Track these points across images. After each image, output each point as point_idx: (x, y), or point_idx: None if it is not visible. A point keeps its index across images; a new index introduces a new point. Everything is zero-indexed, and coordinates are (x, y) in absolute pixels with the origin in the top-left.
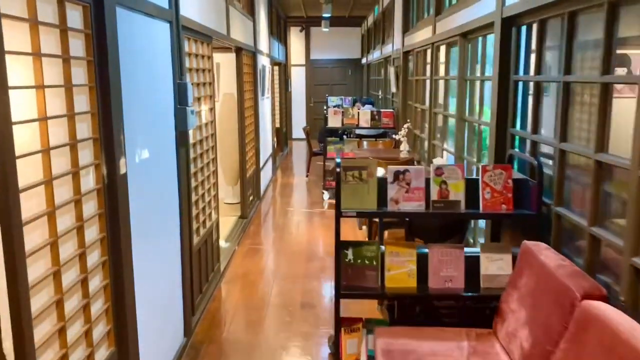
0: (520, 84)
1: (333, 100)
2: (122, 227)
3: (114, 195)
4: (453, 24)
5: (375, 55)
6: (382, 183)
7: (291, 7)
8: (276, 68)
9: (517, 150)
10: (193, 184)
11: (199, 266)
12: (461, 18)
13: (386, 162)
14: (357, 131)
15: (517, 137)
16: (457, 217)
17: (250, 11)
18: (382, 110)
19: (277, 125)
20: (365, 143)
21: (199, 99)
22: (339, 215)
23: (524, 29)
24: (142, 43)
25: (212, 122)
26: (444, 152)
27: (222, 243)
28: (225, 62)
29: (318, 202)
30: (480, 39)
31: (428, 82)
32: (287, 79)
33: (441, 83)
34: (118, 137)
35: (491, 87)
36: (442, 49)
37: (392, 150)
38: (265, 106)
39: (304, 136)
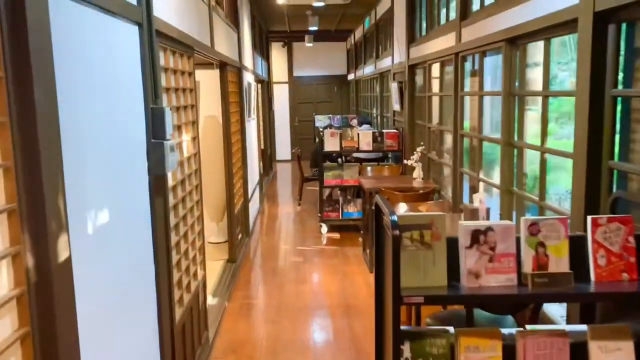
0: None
1: (321, 119)
2: (63, 348)
3: (47, 301)
4: (492, 29)
5: (367, 70)
6: (451, 245)
7: (274, 21)
8: (259, 86)
9: (622, 191)
10: (174, 239)
11: (183, 346)
12: (506, 20)
13: (402, 194)
14: (355, 154)
15: (615, 172)
16: (565, 299)
17: (234, 21)
18: (384, 130)
19: (262, 146)
20: (369, 169)
21: (179, 127)
22: (398, 299)
23: (624, 27)
24: (98, 52)
25: (196, 154)
26: (480, 184)
27: (210, 299)
28: (206, 80)
29: (315, 236)
30: (540, 42)
31: (451, 98)
32: (270, 97)
33: (468, 100)
34: (53, 201)
35: (575, 104)
36: (473, 58)
37: (403, 178)
38: (252, 129)
39: (288, 158)
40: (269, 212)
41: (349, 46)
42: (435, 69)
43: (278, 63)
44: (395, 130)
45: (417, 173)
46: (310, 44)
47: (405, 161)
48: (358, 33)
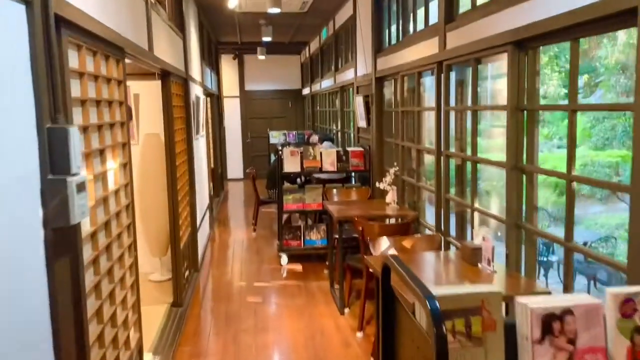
0: None
1: (275, 136)
2: None
3: None
4: (492, 30)
5: (325, 84)
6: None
7: (224, 31)
8: (208, 100)
9: None
10: (92, 306)
11: None
12: (514, 19)
13: (378, 225)
14: (317, 175)
15: None
16: None
17: (179, 25)
18: (349, 149)
19: (212, 165)
20: (334, 191)
21: (102, 151)
22: None
23: None
24: None
25: (128, 185)
26: (475, 215)
27: (148, 358)
28: (146, 93)
29: (274, 268)
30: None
31: (431, 114)
32: (220, 112)
33: (453, 115)
34: None
35: (634, 120)
36: (465, 68)
37: (374, 203)
38: (201, 147)
39: (240, 176)
40: (220, 239)
41: (304, 59)
42: (414, 80)
43: (229, 76)
44: (361, 149)
45: (391, 197)
46: (263, 57)
47: (377, 184)
48: (314, 45)
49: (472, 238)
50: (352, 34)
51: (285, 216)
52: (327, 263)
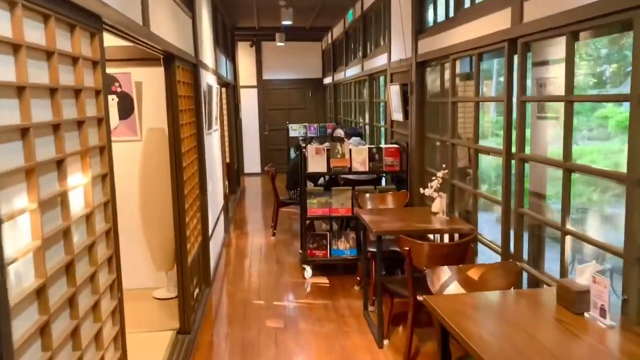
0: None
1: (295, 129)
2: None
3: None
4: None
5: (350, 72)
6: None
7: (241, 15)
8: (224, 90)
9: None
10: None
11: None
12: None
13: (429, 246)
14: (344, 175)
15: None
16: None
17: (187, 2)
18: (383, 146)
19: (227, 160)
20: (367, 196)
21: (60, 162)
22: None
23: None
24: None
25: (108, 204)
26: (567, 238)
27: None
28: (151, 81)
29: (296, 282)
30: None
31: (501, 105)
32: (236, 103)
33: (530, 107)
34: None
35: None
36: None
37: (417, 212)
38: (215, 142)
39: (258, 170)
40: (236, 244)
41: (325, 46)
42: (473, 64)
43: (246, 65)
44: (396, 146)
45: (439, 206)
46: (282, 44)
47: (422, 190)
48: (337, 30)
49: (567, 272)
50: (386, 14)
51: (307, 221)
52: (358, 278)
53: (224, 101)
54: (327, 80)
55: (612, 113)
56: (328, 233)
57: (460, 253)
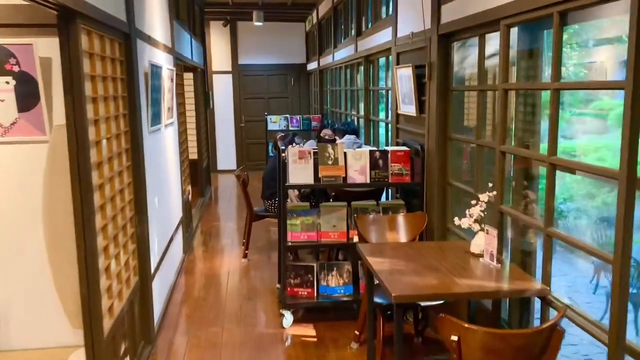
0: None
1: (275, 121)
2: None
3: None
4: None
5: (339, 55)
6: None
7: None
8: (190, 75)
9: None
10: None
11: None
12: None
13: (492, 335)
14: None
15: None
16: None
17: None
18: (390, 148)
19: (195, 156)
20: (370, 218)
21: None
22: None
23: None
24: None
25: None
26: None
27: None
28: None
29: (273, 332)
30: None
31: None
32: (207, 91)
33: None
34: None
35: None
36: None
37: (449, 252)
38: (167, 140)
39: (233, 167)
40: (199, 268)
41: (310, 27)
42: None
43: (219, 47)
44: (405, 148)
45: (484, 246)
46: (260, 23)
47: (457, 221)
48: (324, 7)
49: None
50: None
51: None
52: (357, 333)
53: (190, 89)
54: (312, 65)
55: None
56: (315, 264)
57: (542, 343)
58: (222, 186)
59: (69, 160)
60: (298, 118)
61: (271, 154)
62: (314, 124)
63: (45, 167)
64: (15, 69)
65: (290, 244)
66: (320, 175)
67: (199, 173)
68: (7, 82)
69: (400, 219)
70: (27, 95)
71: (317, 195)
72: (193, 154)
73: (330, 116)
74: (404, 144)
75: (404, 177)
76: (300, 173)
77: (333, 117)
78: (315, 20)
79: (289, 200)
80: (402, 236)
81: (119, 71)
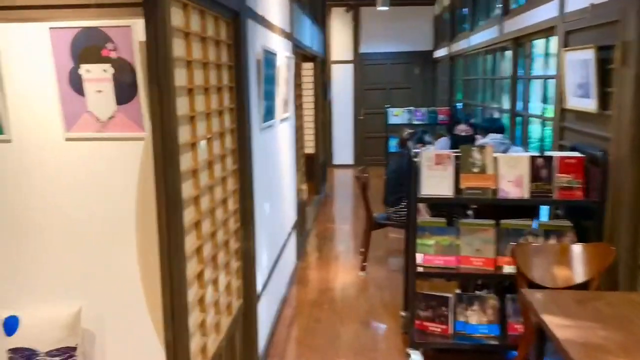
0: None
1: (397, 114)
2: None
3: None
4: None
5: (477, 39)
6: None
7: None
8: (309, 65)
9: None
10: None
11: None
12: None
13: None
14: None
15: None
16: None
17: None
18: (556, 154)
19: (311, 151)
20: (532, 249)
21: None
22: None
23: None
24: None
25: None
26: None
27: None
28: None
29: None
30: None
31: None
32: (325, 82)
33: None
34: None
35: None
36: None
37: None
38: (282, 137)
39: (349, 162)
40: (312, 279)
41: (440, 10)
42: None
43: (340, 35)
44: (577, 155)
45: None
46: (385, 8)
47: None
48: None
49: None
50: None
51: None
52: None
53: (309, 79)
54: (441, 52)
55: None
56: (450, 295)
57: None
58: (338, 182)
59: (154, 169)
60: (423, 111)
61: (392, 149)
62: (440, 117)
63: (139, 170)
64: (113, 55)
65: (421, 269)
66: (462, 187)
67: (315, 168)
68: (105, 70)
69: (576, 250)
70: (126, 85)
71: (452, 208)
72: (309, 148)
73: (462, 109)
74: (572, 149)
75: (574, 191)
76: (435, 183)
77: (468, 110)
78: (446, 2)
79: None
80: (577, 275)
81: (224, 57)
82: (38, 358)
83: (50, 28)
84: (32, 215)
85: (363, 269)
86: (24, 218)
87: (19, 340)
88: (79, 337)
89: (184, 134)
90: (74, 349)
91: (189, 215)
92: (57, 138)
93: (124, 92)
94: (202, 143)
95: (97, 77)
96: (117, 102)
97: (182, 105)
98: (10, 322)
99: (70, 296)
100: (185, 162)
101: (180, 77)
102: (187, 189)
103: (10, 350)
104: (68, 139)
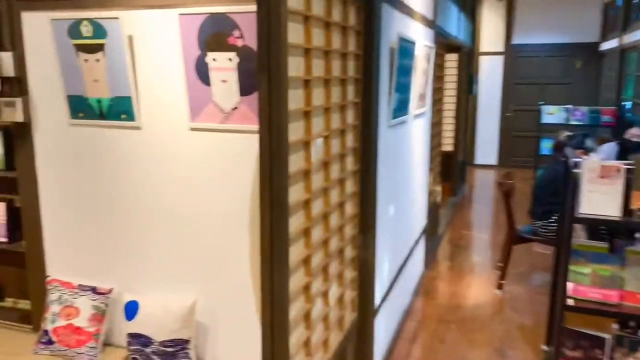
0: None
1: (552, 112)
2: None
3: None
4: None
5: None
6: None
7: None
8: (453, 56)
9: None
10: None
11: None
12: None
13: None
14: None
15: None
16: None
17: None
18: None
19: (450, 148)
20: None
21: None
22: None
23: None
24: None
25: None
26: None
27: None
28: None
29: None
30: None
31: None
32: (470, 74)
33: None
34: None
35: None
36: None
37: None
38: (415, 134)
39: (493, 162)
40: (441, 291)
41: None
42: None
43: (490, 25)
44: None
45: None
46: None
47: None
48: None
49: None
50: None
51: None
52: None
53: (452, 71)
54: (609, 44)
55: None
56: (607, 336)
57: None
58: (478, 184)
59: (259, 170)
60: (583, 110)
61: (543, 151)
62: (604, 118)
63: (256, 165)
64: (239, 43)
65: (571, 302)
66: (633, 207)
67: (452, 167)
68: (230, 59)
69: None
70: (250, 75)
71: (616, 230)
72: (448, 146)
73: (632, 109)
74: None
75: None
76: (599, 200)
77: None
78: None
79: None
80: None
81: (352, 45)
82: (153, 346)
83: (180, 14)
84: (157, 205)
85: (500, 286)
86: (149, 208)
87: (137, 326)
88: (193, 330)
89: (296, 131)
90: (187, 341)
91: (297, 221)
92: (183, 128)
93: (248, 82)
94: (318, 141)
95: (223, 66)
96: (240, 93)
97: (295, 99)
98: (131, 307)
99: (186, 288)
100: (296, 162)
101: (295, 66)
102: (296, 193)
103: (129, 334)
104: (192, 129)
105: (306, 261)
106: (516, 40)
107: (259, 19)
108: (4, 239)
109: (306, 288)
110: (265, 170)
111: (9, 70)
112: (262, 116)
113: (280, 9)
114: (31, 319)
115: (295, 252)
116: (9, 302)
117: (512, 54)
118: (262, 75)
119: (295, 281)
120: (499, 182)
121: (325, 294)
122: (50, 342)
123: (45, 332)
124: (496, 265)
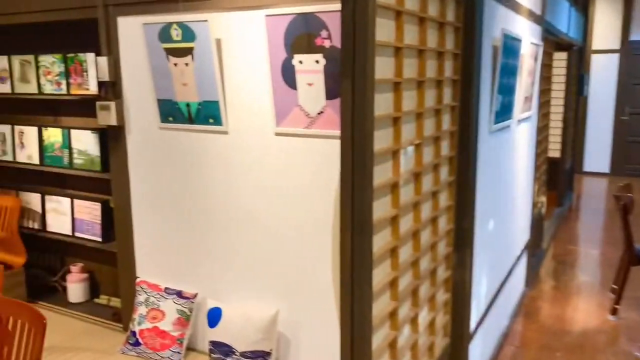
0: None
1: None
2: None
3: None
4: None
5: None
6: None
7: None
8: (562, 55)
9: None
10: None
11: None
12: None
13: None
14: None
15: None
16: None
17: None
18: None
19: (556, 154)
20: None
21: None
22: None
23: None
24: None
25: None
26: None
27: None
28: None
29: None
30: None
31: None
32: (581, 75)
33: None
34: None
35: None
36: None
37: None
38: (520, 141)
39: (604, 170)
40: (544, 314)
41: None
42: None
43: (604, 21)
44: None
45: None
46: None
47: None
48: None
49: None
50: None
51: None
52: None
53: (560, 71)
54: None
55: None
56: None
57: None
58: (587, 193)
59: (340, 183)
60: None
61: None
62: None
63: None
64: (327, 44)
65: None
66: None
67: (559, 175)
68: (317, 62)
69: None
70: (336, 78)
71: None
72: (554, 152)
73: None
74: None
75: None
76: None
77: None
78: None
79: None
80: None
81: (449, 43)
82: (234, 356)
83: (266, 15)
84: (242, 211)
85: (614, 311)
86: (233, 214)
87: (219, 333)
88: (274, 341)
89: (383, 138)
90: (269, 354)
91: (382, 240)
92: (268, 132)
93: (335, 85)
94: (409, 150)
95: (310, 69)
96: (326, 97)
97: (383, 104)
98: (214, 313)
99: (268, 297)
100: (383, 173)
101: (384, 67)
102: (382, 208)
103: (211, 342)
104: (277, 134)
105: (393, 284)
106: (634, 36)
107: (343, 15)
108: (99, 239)
109: (392, 314)
110: (347, 183)
111: (105, 74)
112: (344, 123)
113: (368, 3)
114: (121, 317)
115: (380, 274)
116: (103, 299)
117: (630, 51)
118: (346, 78)
119: (380, 306)
120: (615, 195)
121: (414, 320)
122: (137, 343)
123: (133, 333)
124: (610, 287)
